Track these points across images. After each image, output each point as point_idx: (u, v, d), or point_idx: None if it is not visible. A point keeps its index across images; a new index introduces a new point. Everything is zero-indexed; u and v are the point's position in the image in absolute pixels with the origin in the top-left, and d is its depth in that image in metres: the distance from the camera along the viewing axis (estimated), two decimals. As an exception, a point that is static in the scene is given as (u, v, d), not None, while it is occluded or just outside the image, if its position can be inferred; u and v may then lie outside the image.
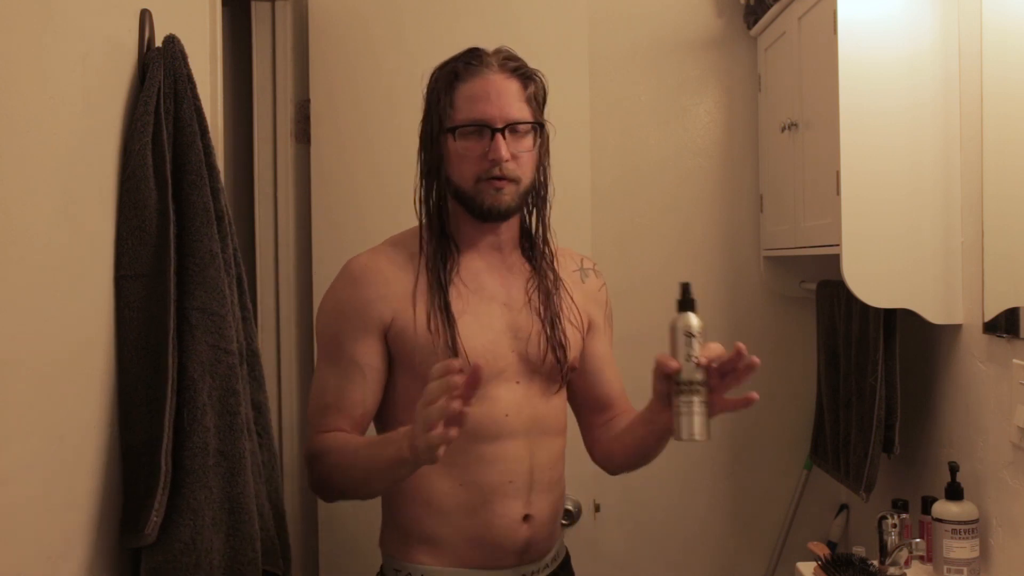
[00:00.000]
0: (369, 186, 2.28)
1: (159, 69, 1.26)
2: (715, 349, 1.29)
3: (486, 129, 1.41)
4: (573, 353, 1.52)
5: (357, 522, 2.23)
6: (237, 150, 2.38)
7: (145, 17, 1.30)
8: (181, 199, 1.27)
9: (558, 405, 1.53)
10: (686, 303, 1.30)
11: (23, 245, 0.97)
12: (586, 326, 1.57)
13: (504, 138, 1.41)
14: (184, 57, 1.31)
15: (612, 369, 1.63)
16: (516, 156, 1.42)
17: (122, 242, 1.21)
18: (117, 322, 1.20)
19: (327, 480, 1.43)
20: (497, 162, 1.41)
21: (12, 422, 0.95)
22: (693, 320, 1.29)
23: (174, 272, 1.22)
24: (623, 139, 2.56)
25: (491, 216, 1.45)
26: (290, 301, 2.37)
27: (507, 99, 1.42)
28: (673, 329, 1.30)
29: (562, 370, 1.49)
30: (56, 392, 1.05)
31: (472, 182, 1.43)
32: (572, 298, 1.54)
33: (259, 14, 2.35)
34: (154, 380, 1.20)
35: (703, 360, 1.28)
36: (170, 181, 1.24)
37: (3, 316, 0.92)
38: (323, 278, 2.30)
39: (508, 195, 1.43)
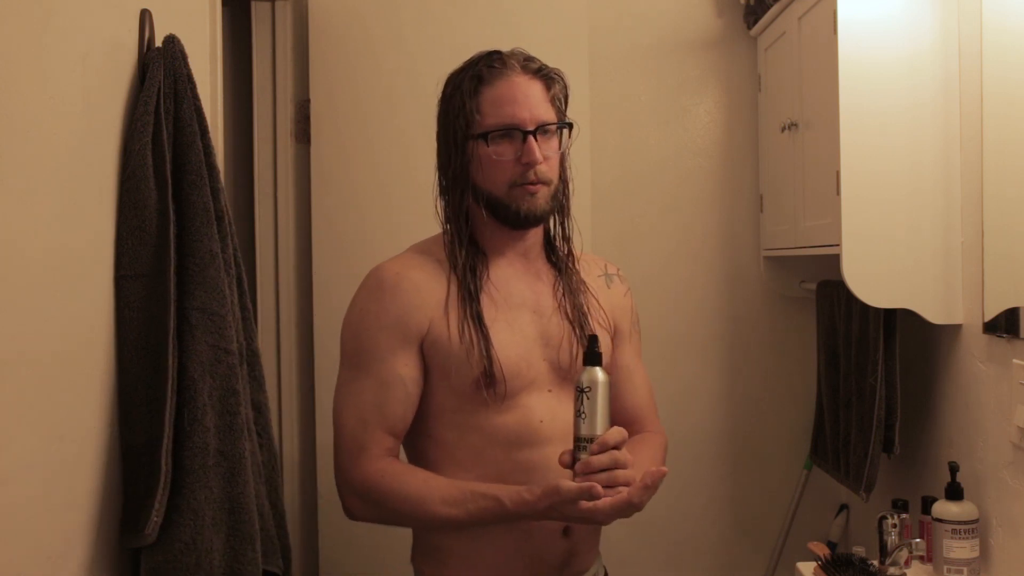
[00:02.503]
0: (369, 186, 2.28)
1: (159, 69, 1.26)
2: (611, 435, 1.31)
3: (517, 132, 1.39)
4: (604, 358, 1.46)
5: (357, 523, 2.23)
6: (237, 150, 2.38)
7: (145, 17, 1.30)
8: (181, 199, 1.26)
9: None
10: (590, 356, 1.32)
11: (23, 245, 0.97)
12: (613, 331, 1.54)
13: (536, 140, 1.39)
14: (184, 57, 1.31)
15: (639, 378, 1.59)
16: (547, 158, 1.40)
17: (122, 242, 1.20)
18: (117, 322, 1.20)
19: (388, 517, 1.42)
20: (531, 165, 1.39)
21: (12, 422, 0.95)
22: (588, 375, 1.32)
23: (174, 272, 1.22)
24: (623, 139, 2.56)
25: (527, 222, 1.42)
26: (290, 301, 2.37)
27: (534, 101, 1.40)
28: (591, 377, 1.32)
29: None
30: (56, 392, 1.05)
31: (506, 188, 1.40)
32: (599, 302, 1.52)
33: (259, 14, 2.35)
34: (154, 380, 1.20)
35: (594, 447, 1.30)
36: (170, 181, 1.24)
37: (3, 316, 0.92)
38: (323, 278, 2.30)
39: (542, 199, 1.41)
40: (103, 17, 1.19)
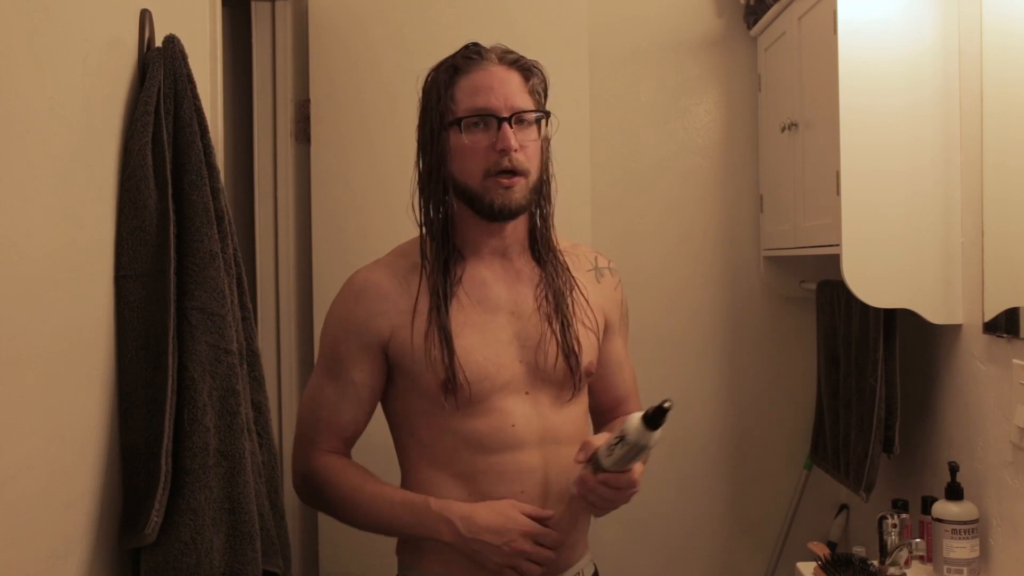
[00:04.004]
0: (369, 186, 2.28)
1: (159, 69, 1.26)
2: (623, 479, 1.33)
3: (492, 120, 1.37)
4: (587, 358, 1.47)
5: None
6: (237, 150, 2.38)
7: (145, 17, 1.30)
8: (181, 199, 1.26)
9: (573, 413, 1.48)
10: (653, 420, 1.23)
11: (23, 245, 0.97)
12: (602, 328, 1.52)
13: (511, 127, 1.37)
14: (184, 57, 1.31)
15: (628, 368, 1.61)
16: (523, 146, 1.38)
17: (122, 242, 1.21)
18: (117, 322, 1.20)
19: (324, 505, 1.47)
20: (506, 152, 1.36)
21: (13, 422, 0.95)
22: (640, 435, 1.25)
23: (174, 272, 1.22)
24: (623, 139, 2.56)
25: (501, 216, 1.40)
26: (290, 301, 2.37)
27: (510, 89, 1.38)
28: (637, 437, 1.26)
29: (574, 377, 1.45)
30: (56, 392, 1.05)
31: (480, 178, 1.38)
32: (587, 300, 1.49)
33: (259, 14, 2.35)
34: (154, 380, 1.20)
35: (601, 477, 1.33)
36: (170, 181, 1.24)
37: (3, 316, 0.92)
38: (323, 277, 2.30)
39: (518, 192, 1.38)
40: (103, 17, 1.19)
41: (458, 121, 1.38)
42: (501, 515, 1.36)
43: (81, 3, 1.12)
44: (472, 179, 1.39)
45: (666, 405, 1.22)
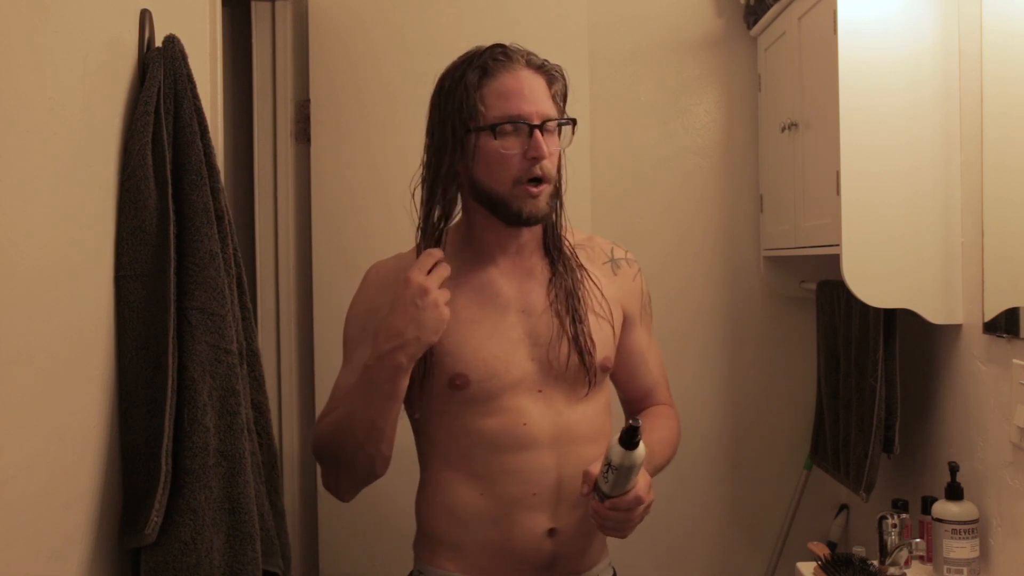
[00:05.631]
0: (369, 186, 2.28)
1: (159, 69, 1.26)
2: (626, 501, 1.31)
3: (523, 126, 1.36)
4: (602, 352, 1.45)
5: (357, 522, 2.23)
6: (237, 150, 2.38)
7: (145, 17, 1.31)
8: (181, 199, 1.26)
9: (589, 411, 1.46)
10: (627, 440, 1.28)
11: (23, 245, 0.97)
12: (619, 320, 1.51)
13: (542, 135, 1.36)
14: (184, 57, 1.31)
15: (653, 358, 1.60)
16: (550, 153, 1.38)
17: (122, 242, 1.21)
18: (117, 322, 1.20)
19: (331, 445, 1.42)
20: (538, 160, 1.35)
21: (12, 422, 0.95)
22: (621, 457, 1.28)
23: (174, 272, 1.22)
24: (623, 139, 2.56)
25: (527, 223, 1.40)
26: (290, 301, 2.37)
27: (540, 95, 1.38)
28: (621, 459, 1.29)
29: (588, 373, 1.43)
30: (56, 392, 1.05)
31: (509, 185, 1.37)
32: (602, 292, 1.48)
33: (259, 14, 2.36)
34: (154, 380, 1.20)
35: (608, 503, 1.32)
36: (170, 181, 1.24)
37: (3, 316, 0.92)
38: (323, 277, 2.30)
39: (543, 200, 1.39)
40: (103, 17, 1.19)
41: (492, 127, 1.36)
42: (396, 301, 1.32)
43: (81, 3, 1.12)
44: (501, 186, 1.38)
45: (633, 423, 1.27)
